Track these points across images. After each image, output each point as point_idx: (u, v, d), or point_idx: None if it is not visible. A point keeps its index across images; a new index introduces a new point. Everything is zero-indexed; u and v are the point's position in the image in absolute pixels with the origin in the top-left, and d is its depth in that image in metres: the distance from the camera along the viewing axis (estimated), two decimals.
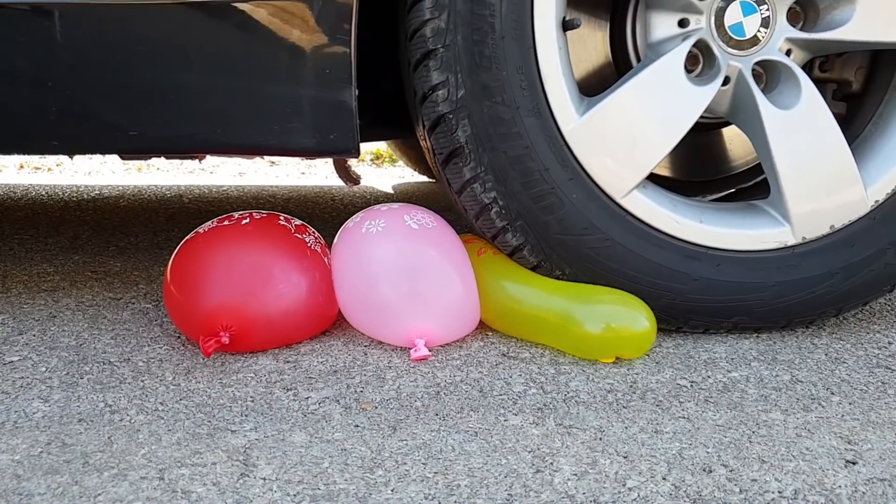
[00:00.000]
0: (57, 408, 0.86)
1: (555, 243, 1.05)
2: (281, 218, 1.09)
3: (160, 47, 1.01)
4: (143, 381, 0.94)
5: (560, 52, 1.01)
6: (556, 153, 1.02)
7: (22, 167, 3.38)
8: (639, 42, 1.18)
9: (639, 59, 1.17)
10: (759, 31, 1.05)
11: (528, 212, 1.04)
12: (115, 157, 3.32)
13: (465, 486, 0.71)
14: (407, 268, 1.01)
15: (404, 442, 0.79)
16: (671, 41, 1.07)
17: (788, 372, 1.00)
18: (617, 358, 1.01)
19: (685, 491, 0.71)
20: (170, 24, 1.00)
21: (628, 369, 0.99)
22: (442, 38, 0.99)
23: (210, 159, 3.37)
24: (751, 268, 1.08)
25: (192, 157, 1.31)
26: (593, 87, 1.22)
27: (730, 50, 1.06)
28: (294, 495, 0.69)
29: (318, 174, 3.30)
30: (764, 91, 1.07)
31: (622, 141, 1.03)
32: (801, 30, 1.08)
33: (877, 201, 1.08)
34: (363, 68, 1.07)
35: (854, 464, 0.76)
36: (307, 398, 0.89)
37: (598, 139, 1.03)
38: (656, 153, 1.04)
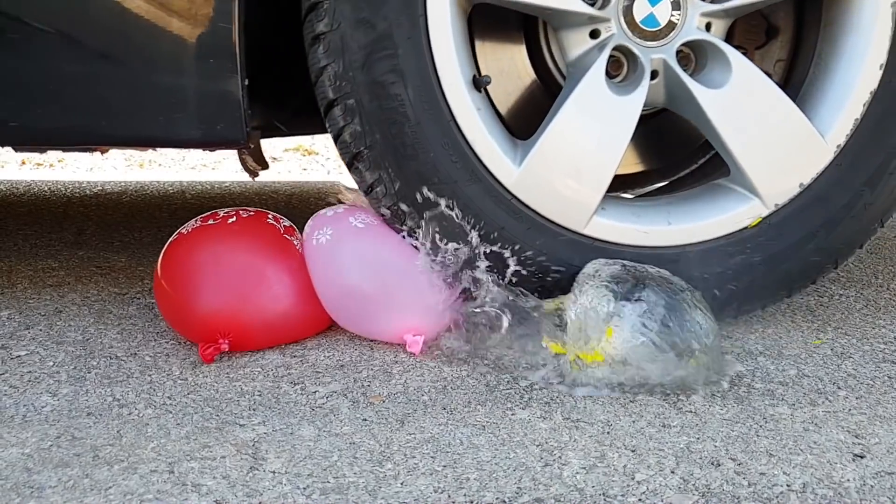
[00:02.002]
0: (65, 402, 0.86)
1: (534, 289, 1.05)
2: (269, 217, 1.07)
3: (35, 35, 0.98)
4: (150, 375, 0.94)
5: (480, 111, 1.00)
6: (507, 210, 1.02)
7: (24, 163, 3.38)
8: (559, 62, 1.16)
9: (564, 76, 1.15)
10: (671, 15, 1.02)
11: (498, 272, 1.04)
12: (116, 153, 3.32)
13: (475, 479, 0.71)
14: (371, 269, 1.01)
15: (412, 436, 0.79)
16: (589, 54, 1.04)
17: (794, 367, 1.00)
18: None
19: (694, 484, 0.71)
20: (45, 11, 0.97)
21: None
22: (362, 140, 0.99)
23: (213, 155, 3.36)
24: (734, 251, 1.07)
25: (90, 150, 1.29)
26: (529, 115, 1.18)
27: (649, 44, 1.03)
28: (304, 489, 0.69)
29: (320, 170, 3.30)
30: (696, 73, 1.05)
31: (568, 175, 1.02)
32: (713, 1, 1.03)
33: (839, 146, 1.05)
34: (284, 56, 1.04)
35: (862, 457, 0.76)
36: (315, 392, 0.89)
37: (544, 182, 1.02)
38: (604, 175, 1.03)
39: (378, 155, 1.00)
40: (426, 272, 1.01)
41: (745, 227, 1.07)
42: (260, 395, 0.88)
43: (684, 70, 1.04)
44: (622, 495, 0.69)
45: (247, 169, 1.30)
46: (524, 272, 1.05)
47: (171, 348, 1.02)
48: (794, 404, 0.89)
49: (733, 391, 0.92)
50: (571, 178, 1.02)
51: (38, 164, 3.38)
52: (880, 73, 1.04)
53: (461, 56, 0.99)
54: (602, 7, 1.02)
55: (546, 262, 1.04)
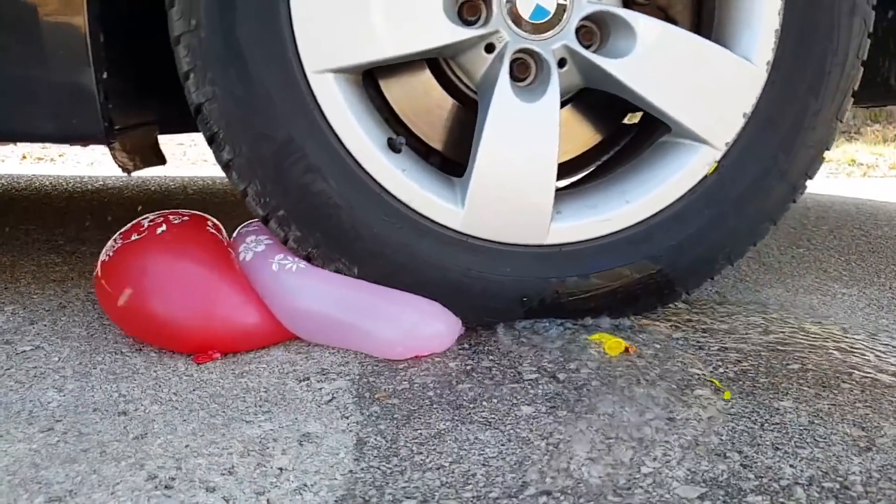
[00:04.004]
0: (72, 397, 0.86)
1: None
2: (209, 224, 1.05)
3: None
4: (155, 371, 0.94)
5: (406, 172, 0.99)
6: (466, 250, 1.02)
7: (24, 158, 3.38)
8: (469, 84, 1.13)
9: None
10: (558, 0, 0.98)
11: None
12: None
13: (481, 474, 0.71)
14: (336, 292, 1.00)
15: (419, 431, 0.80)
16: (491, 69, 1.02)
17: (798, 361, 1.00)
18: (626, 348, 1.02)
19: (700, 476, 0.71)
20: None
21: (639, 358, 0.99)
22: (307, 242, 1.00)
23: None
24: (701, 206, 1.04)
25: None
26: (466, 138, 1.13)
27: (545, 36, 0.99)
28: (311, 485, 0.69)
29: None
30: (603, 45, 1.03)
31: (511, 199, 1.00)
32: None
33: (768, 62, 1.01)
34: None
35: (868, 451, 0.77)
36: (320, 389, 0.90)
37: (491, 213, 1.01)
38: (547, 182, 1.01)
39: (326, 251, 1.00)
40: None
41: (705, 177, 1.04)
42: (266, 392, 0.88)
43: (589, 47, 1.02)
44: (629, 487, 0.69)
45: (118, 164, 1.27)
46: (513, 297, 1.04)
47: None
48: (798, 398, 0.89)
49: (738, 385, 0.92)
50: (516, 200, 1.01)
51: (39, 159, 3.37)
52: None
53: (369, 128, 0.98)
54: (485, 22, 0.99)
55: (523, 285, 1.04)
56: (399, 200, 0.99)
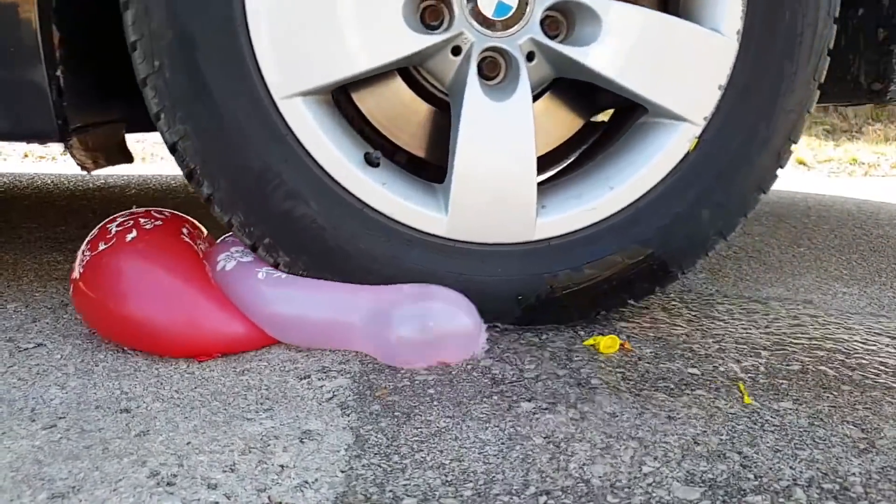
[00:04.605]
0: (74, 395, 0.86)
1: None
2: (184, 229, 1.05)
3: None
4: (157, 369, 0.94)
5: (386, 185, 0.99)
6: (456, 255, 1.02)
7: (26, 156, 3.38)
8: (441, 88, 1.13)
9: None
10: None
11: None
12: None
13: (482, 472, 0.72)
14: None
15: (419, 429, 0.80)
16: (460, 72, 1.01)
17: (798, 362, 1.00)
18: (621, 346, 1.02)
19: (700, 477, 0.71)
20: None
21: (639, 359, 1.00)
22: (296, 265, 1.00)
23: None
24: (687, 183, 1.03)
25: None
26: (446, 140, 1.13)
27: (510, 32, 0.98)
28: (312, 482, 0.70)
29: None
30: (570, 33, 1.02)
31: (494, 201, 1.00)
32: None
33: (738, 31, 0.99)
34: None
35: (867, 452, 0.77)
36: (321, 387, 0.90)
37: (475, 216, 1.00)
38: (528, 179, 1.00)
39: (317, 272, 1.01)
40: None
41: (687, 154, 1.03)
42: (267, 390, 0.89)
43: (556, 37, 1.01)
44: (629, 487, 0.69)
45: (77, 162, 1.26)
46: (508, 296, 1.04)
47: None
48: (798, 399, 0.89)
49: (738, 386, 0.92)
50: (498, 200, 1.00)
51: (41, 158, 3.38)
52: None
53: (344, 146, 0.98)
54: (449, 26, 0.98)
55: (516, 283, 1.04)
56: (383, 214, 1.00)
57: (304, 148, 0.96)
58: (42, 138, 1.02)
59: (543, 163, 1.26)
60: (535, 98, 1.13)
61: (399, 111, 1.21)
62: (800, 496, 0.69)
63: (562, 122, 1.28)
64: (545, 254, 1.04)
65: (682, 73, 1.01)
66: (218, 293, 0.99)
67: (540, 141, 1.13)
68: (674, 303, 1.25)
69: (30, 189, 2.25)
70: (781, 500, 0.68)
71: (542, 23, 1.00)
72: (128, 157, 1.30)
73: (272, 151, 0.96)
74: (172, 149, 0.97)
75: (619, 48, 0.99)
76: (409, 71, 1.17)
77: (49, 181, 2.40)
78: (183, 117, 0.95)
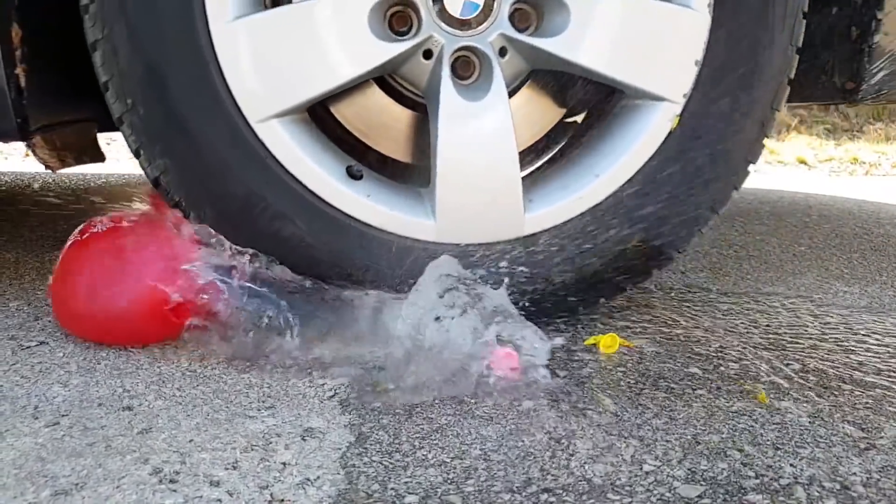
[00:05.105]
0: (76, 392, 0.87)
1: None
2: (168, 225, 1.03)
3: None
4: (159, 367, 0.94)
5: (371, 197, 1.00)
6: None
7: (28, 155, 3.39)
8: (417, 92, 1.12)
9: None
10: None
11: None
12: (120, 146, 3.32)
13: (483, 469, 0.72)
14: None
15: (421, 427, 0.80)
16: (434, 75, 1.00)
17: (799, 361, 1.00)
18: (622, 345, 1.02)
19: (701, 475, 0.72)
20: None
21: (640, 357, 1.00)
22: None
23: None
24: (672, 161, 1.02)
25: None
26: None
27: (480, 29, 0.98)
28: (314, 480, 0.70)
29: None
30: (541, 23, 1.01)
31: (480, 203, 1.00)
32: None
33: (709, 4, 0.98)
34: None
35: (868, 451, 0.77)
36: (323, 384, 0.90)
37: (463, 219, 1.01)
38: (512, 177, 1.00)
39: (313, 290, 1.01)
40: None
41: (670, 133, 1.02)
42: (269, 387, 0.89)
43: (526, 30, 1.01)
44: (630, 485, 0.70)
45: (40, 161, 1.25)
46: (511, 294, 1.03)
47: (179, 340, 1.03)
48: (798, 398, 0.89)
49: (739, 384, 0.92)
50: (483, 200, 1.00)
51: None
52: None
53: (325, 162, 0.99)
54: (417, 30, 0.98)
55: (520, 277, 1.04)
56: (370, 226, 1.00)
57: (285, 169, 0.97)
58: (1, 137, 1.02)
59: (529, 156, 1.25)
60: (515, 91, 1.12)
61: (380, 119, 1.20)
62: (800, 494, 0.69)
63: (544, 113, 1.27)
64: (539, 247, 1.03)
65: (655, 52, 0.99)
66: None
67: (523, 134, 1.12)
68: (674, 302, 1.25)
69: (31, 188, 2.25)
70: (782, 498, 0.68)
71: (511, 17, 0.99)
72: (99, 157, 1.29)
73: (254, 176, 0.96)
74: (156, 183, 0.98)
75: (590, 34, 0.97)
76: (385, 78, 1.16)
77: (50, 180, 2.40)
78: (162, 152, 0.95)
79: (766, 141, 1.05)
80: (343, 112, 1.18)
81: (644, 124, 1.02)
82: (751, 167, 1.06)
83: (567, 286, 1.06)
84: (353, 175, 1.00)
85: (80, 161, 1.22)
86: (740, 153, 1.04)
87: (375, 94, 1.18)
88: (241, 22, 0.93)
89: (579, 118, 1.31)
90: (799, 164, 3.96)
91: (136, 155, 0.96)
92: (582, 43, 0.98)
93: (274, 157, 0.96)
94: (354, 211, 0.99)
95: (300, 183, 0.97)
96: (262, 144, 0.96)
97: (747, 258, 1.60)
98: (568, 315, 1.10)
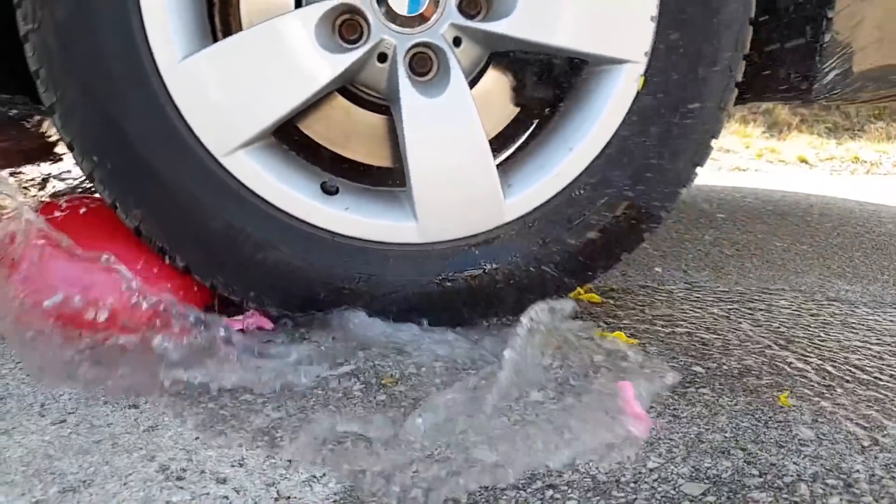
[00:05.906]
0: (83, 390, 0.87)
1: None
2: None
3: None
4: (160, 365, 0.95)
5: (350, 209, 1.00)
6: (438, 259, 1.02)
7: None
8: (383, 96, 1.10)
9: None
10: None
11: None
12: None
13: (489, 462, 0.72)
14: None
15: (426, 420, 0.80)
16: (391, 77, 0.99)
17: (802, 360, 1.01)
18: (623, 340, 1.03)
19: (704, 473, 0.72)
20: None
21: (643, 355, 1.00)
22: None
23: None
24: (643, 124, 0.99)
25: None
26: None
27: (429, 24, 0.96)
28: (320, 476, 0.70)
29: None
30: (490, 12, 0.99)
31: (460, 199, 1.00)
32: None
33: None
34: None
35: (871, 449, 0.77)
36: (327, 376, 0.90)
37: (446, 217, 1.00)
38: (487, 167, 0.99)
39: (305, 309, 1.01)
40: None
41: (638, 93, 0.99)
42: (273, 382, 0.89)
43: (476, 16, 0.99)
44: (634, 482, 0.70)
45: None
46: (503, 284, 1.04)
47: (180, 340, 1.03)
48: (802, 396, 0.89)
49: (742, 383, 0.93)
50: (460, 194, 1.00)
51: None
52: None
53: (298, 183, 0.98)
54: (367, 36, 0.96)
55: (514, 265, 1.03)
56: (354, 238, 1.00)
57: (259, 196, 0.97)
58: None
59: (503, 140, 1.22)
60: (478, 79, 1.10)
61: (352, 129, 1.18)
62: (804, 492, 0.69)
63: (511, 96, 1.22)
64: (525, 233, 1.02)
65: (608, 15, 0.97)
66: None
67: (493, 119, 1.10)
68: (677, 301, 1.26)
69: (31, 187, 2.25)
70: (786, 495, 0.69)
71: (459, 6, 0.97)
72: (50, 155, 1.27)
73: (230, 209, 0.97)
74: (137, 233, 0.98)
75: (540, 9, 0.95)
76: (348, 87, 1.15)
77: (50, 179, 2.40)
78: (136, 202, 0.96)
79: (734, 87, 1.02)
80: (313, 128, 1.17)
81: (610, 90, 0.99)
82: (723, 114, 1.03)
83: (560, 265, 1.04)
84: (327, 191, 1.00)
85: (29, 161, 1.20)
86: (712, 102, 1.01)
87: (342, 105, 1.16)
88: (189, 61, 0.92)
89: (550, 93, 1.28)
90: (800, 163, 3.96)
91: (114, 206, 0.97)
92: (532, 20, 0.95)
93: (246, 187, 0.96)
94: (335, 226, 0.99)
95: (276, 208, 0.97)
96: (233, 177, 0.96)
97: (749, 257, 1.60)
98: (564, 294, 1.08)
